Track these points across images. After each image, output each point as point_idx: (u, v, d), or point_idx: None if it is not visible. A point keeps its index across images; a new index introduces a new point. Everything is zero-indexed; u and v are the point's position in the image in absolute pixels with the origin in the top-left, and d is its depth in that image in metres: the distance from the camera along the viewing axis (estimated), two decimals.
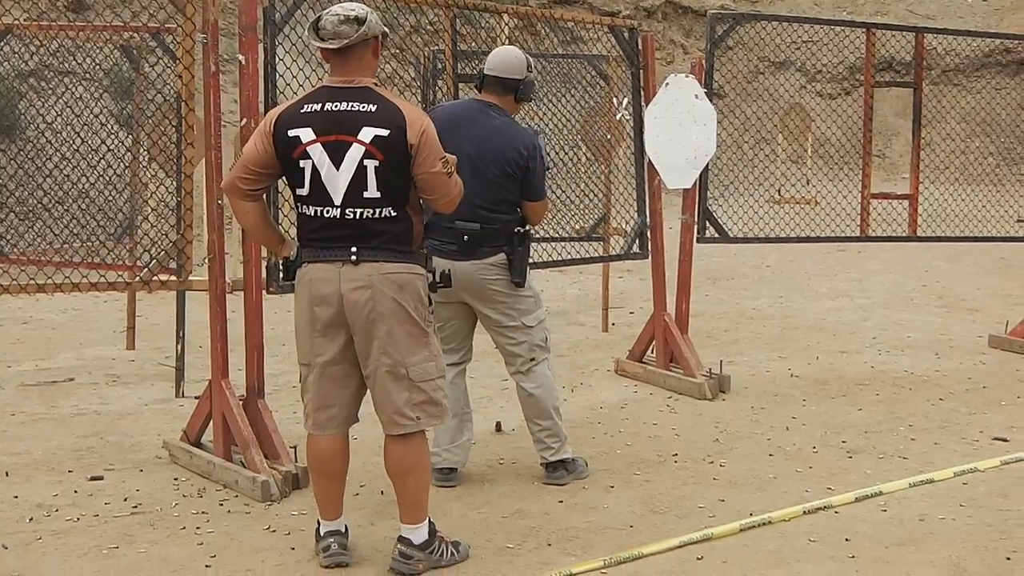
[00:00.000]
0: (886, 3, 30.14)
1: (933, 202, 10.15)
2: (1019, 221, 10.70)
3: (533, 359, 5.89)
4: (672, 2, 27.70)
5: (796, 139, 20.80)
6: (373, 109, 4.47)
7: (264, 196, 4.82)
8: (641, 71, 8.05)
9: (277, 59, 5.96)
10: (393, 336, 4.54)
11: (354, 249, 4.50)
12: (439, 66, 8.80)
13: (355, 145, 4.44)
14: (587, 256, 9.07)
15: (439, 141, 4.59)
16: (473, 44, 11.91)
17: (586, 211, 9.95)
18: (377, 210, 4.50)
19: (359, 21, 4.47)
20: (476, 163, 5.54)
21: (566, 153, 10.72)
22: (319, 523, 4.85)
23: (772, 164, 20.82)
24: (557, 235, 9.57)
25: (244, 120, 5.70)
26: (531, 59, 5.89)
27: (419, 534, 4.74)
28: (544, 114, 9.90)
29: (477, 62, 10.23)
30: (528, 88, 5.80)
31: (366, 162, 4.45)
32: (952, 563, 4.93)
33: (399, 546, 4.72)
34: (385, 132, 4.44)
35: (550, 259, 8.00)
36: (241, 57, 5.71)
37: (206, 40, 5.77)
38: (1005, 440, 6.83)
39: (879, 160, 24.70)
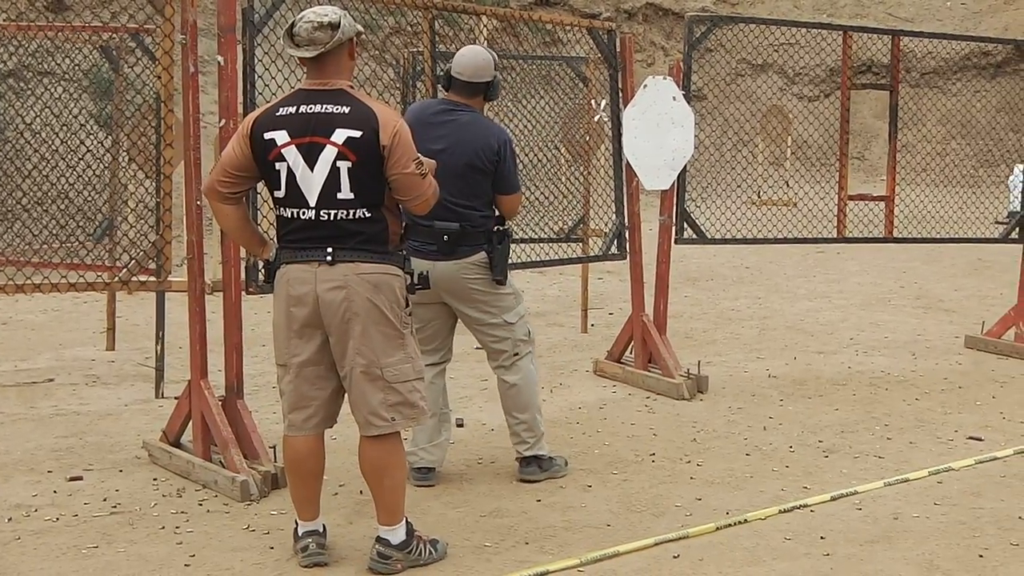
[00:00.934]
0: (865, 5, 30.25)
1: (911, 203, 10.21)
2: (996, 223, 10.76)
3: (516, 353, 5.92)
4: (652, 4, 27.76)
5: (776, 141, 20.92)
6: (346, 111, 4.50)
7: (244, 199, 4.84)
8: (619, 73, 8.08)
9: (256, 60, 5.97)
10: (368, 336, 4.56)
11: (330, 250, 4.53)
12: (418, 67, 8.81)
13: (328, 147, 4.48)
14: (566, 257, 9.10)
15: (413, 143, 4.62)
16: (454, 45, 11.94)
17: (565, 212, 9.99)
18: (351, 211, 4.53)
19: (333, 26, 4.51)
20: (449, 161, 5.53)
21: (546, 154, 10.74)
22: (297, 523, 4.86)
23: (752, 166, 20.93)
24: (536, 236, 9.61)
25: (223, 121, 5.71)
26: (495, 56, 5.90)
27: (397, 534, 4.76)
28: (524, 115, 9.93)
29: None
30: (495, 88, 5.83)
31: (339, 163, 4.48)
32: (925, 560, 4.98)
33: (377, 546, 4.74)
34: (358, 134, 4.47)
35: (529, 260, 8.00)
36: (220, 58, 5.72)
37: (185, 41, 5.79)
38: (979, 439, 6.89)
39: (859, 162, 24.81)
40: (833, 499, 5.73)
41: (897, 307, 11.63)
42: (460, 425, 6.89)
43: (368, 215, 4.56)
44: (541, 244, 9.25)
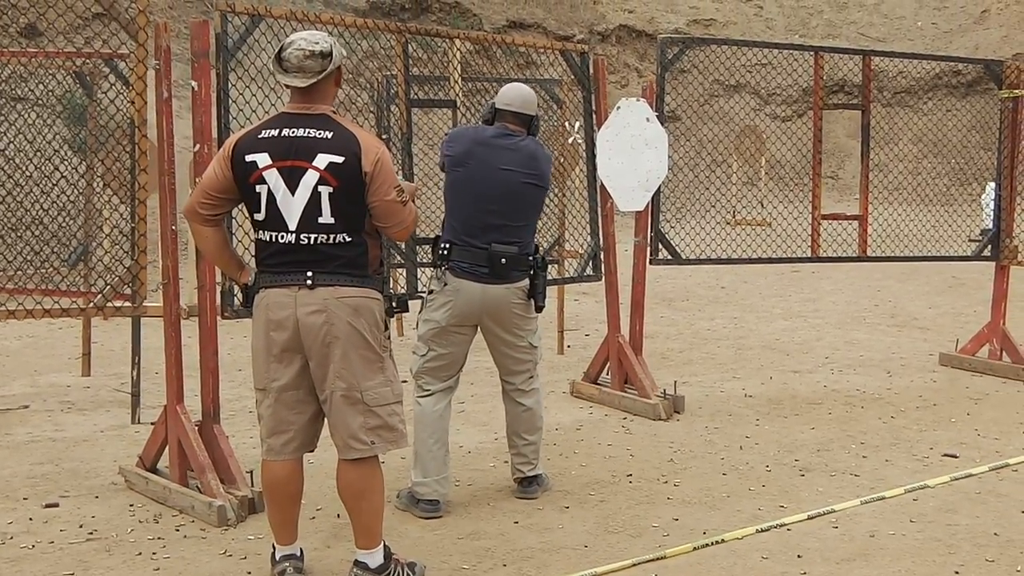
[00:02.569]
0: (837, 26, 30.44)
1: (885, 222, 10.27)
2: (970, 240, 10.83)
3: (532, 376, 6.07)
4: (626, 26, 27.88)
5: (750, 161, 21.01)
6: (329, 136, 4.50)
7: (224, 222, 4.85)
8: (593, 95, 8.12)
9: (230, 85, 5.98)
10: (348, 360, 4.55)
11: (310, 274, 4.52)
12: (392, 91, 8.84)
13: (310, 171, 4.46)
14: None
15: (404, 169, 4.65)
16: (427, 69, 11.99)
17: (540, 234, 10.00)
18: (331, 236, 4.51)
19: (324, 55, 4.51)
20: (518, 184, 5.71)
21: None
22: (274, 547, 4.85)
23: (726, 186, 21.01)
24: None
25: (197, 146, 5.72)
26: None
27: (374, 558, 4.75)
28: None
29: (432, 87, 10.33)
30: (537, 123, 5.95)
31: (320, 188, 4.47)
32: None
33: (355, 570, 4.74)
34: (340, 159, 4.47)
35: None
36: (194, 83, 5.73)
37: (158, 66, 5.79)
38: (955, 456, 6.93)
39: (833, 181, 24.95)
40: (810, 518, 5.74)
41: (872, 325, 11.69)
42: None
43: (348, 240, 4.55)
44: None
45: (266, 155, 4.49)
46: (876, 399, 8.40)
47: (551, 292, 10.45)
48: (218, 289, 5.91)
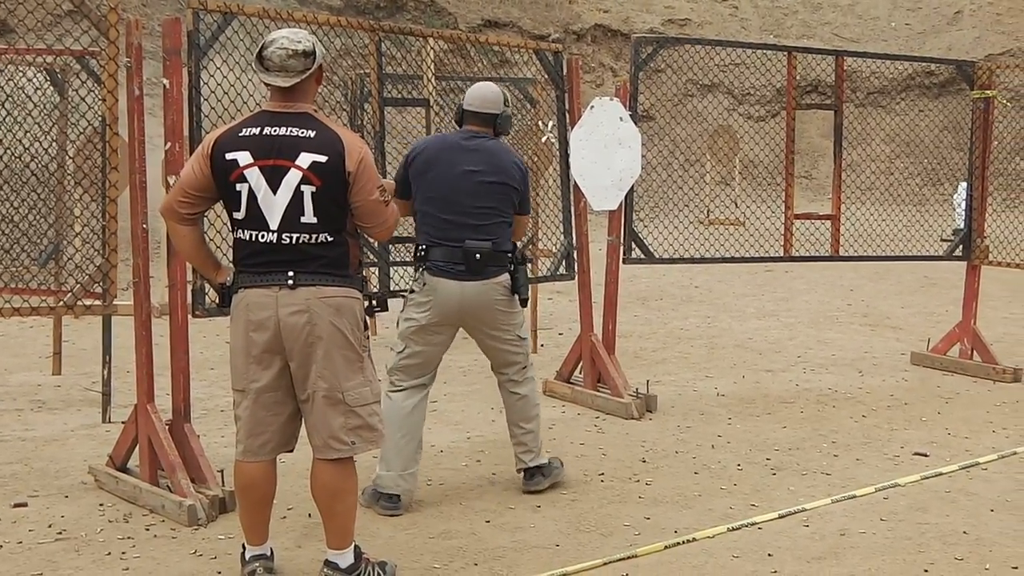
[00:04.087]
0: (812, 26, 30.53)
1: (858, 222, 10.31)
2: (942, 240, 10.87)
3: (525, 366, 6.19)
4: (601, 25, 27.89)
5: (724, 161, 21.06)
6: (312, 135, 4.47)
7: (202, 221, 4.82)
8: (566, 94, 8.12)
9: (202, 83, 5.96)
10: (330, 360, 4.53)
11: (291, 273, 4.49)
12: (366, 89, 8.83)
13: (292, 170, 4.44)
14: None
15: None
16: (401, 67, 11.96)
17: None
18: (313, 235, 4.49)
19: (307, 54, 4.48)
20: (484, 181, 5.82)
21: None
22: (244, 547, 4.84)
23: (700, 186, 21.05)
24: None
25: (169, 144, 5.70)
26: (507, 93, 6.17)
27: (345, 558, 4.73)
28: None
29: (405, 85, 10.32)
30: (505, 121, 6.04)
31: (303, 188, 4.44)
32: None
33: (325, 570, 4.72)
34: (323, 158, 4.44)
35: None
36: (165, 81, 5.70)
37: (130, 64, 5.76)
38: (925, 455, 6.96)
39: (806, 181, 25.03)
40: (781, 516, 5.76)
41: (844, 324, 11.73)
42: None
43: (330, 239, 4.53)
44: None
45: (247, 153, 4.46)
46: (848, 398, 8.43)
47: None
48: (189, 288, 5.88)
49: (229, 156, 4.48)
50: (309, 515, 5.50)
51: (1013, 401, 8.45)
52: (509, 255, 5.89)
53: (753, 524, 5.64)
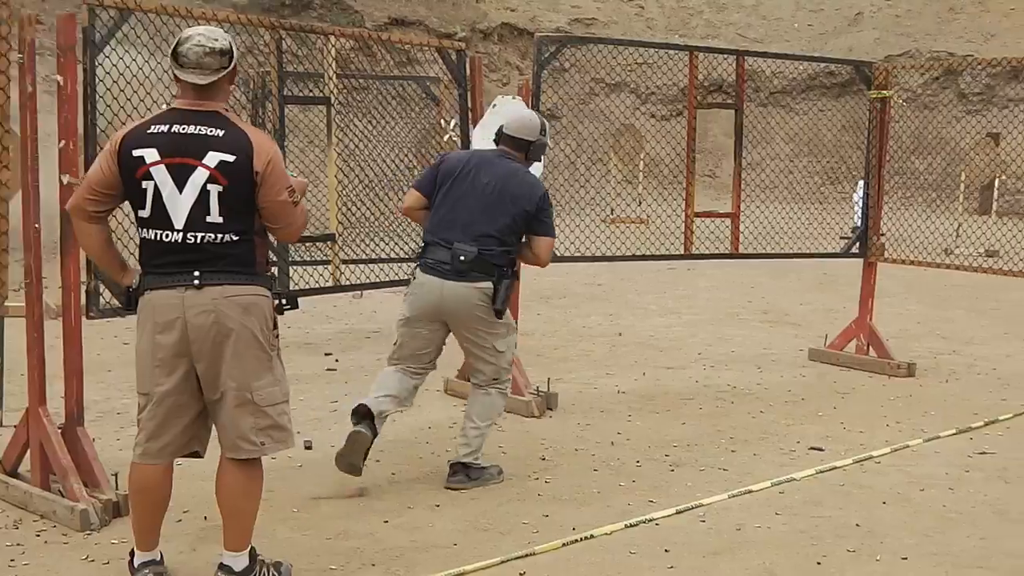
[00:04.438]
0: (717, 26, 30.88)
1: (759, 220, 10.43)
2: (842, 238, 11.03)
3: (496, 379, 6.36)
4: (508, 24, 27.98)
5: (628, 160, 21.20)
6: (221, 134, 4.41)
7: (107, 220, 4.71)
8: (469, 92, 8.12)
9: (97, 80, 5.87)
10: (239, 360, 4.49)
11: (196, 273, 4.42)
12: (268, 88, 8.76)
13: (199, 169, 4.38)
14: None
15: (283, 171, 4.55)
16: (304, 66, 11.89)
17: (419, 231, 9.98)
18: (219, 235, 4.43)
19: (223, 53, 4.44)
20: (493, 195, 6.12)
21: (401, 174, 10.74)
22: (134, 553, 4.76)
23: (605, 184, 21.16)
24: (393, 256, 9.61)
25: (63, 142, 5.61)
26: (545, 122, 6.51)
27: (240, 561, 4.69)
28: (379, 135, 9.94)
29: (307, 84, 10.26)
30: (538, 149, 6.40)
31: (209, 187, 4.38)
32: (765, 569, 5.08)
33: (219, 573, 4.67)
34: (231, 158, 4.39)
35: (380, 280, 7.98)
36: (59, 78, 5.61)
37: (22, 60, 5.66)
38: (821, 450, 7.07)
39: (710, 179, 25.29)
40: (678, 512, 5.82)
41: (745, 321, 11.87)
42: (308, 448, 6.85)
43: (236, 239, 4.47)
44: (395, 264, 9.26)
45: (154, 151, 4.39)
46: (746, 394, 8.54)
47: None
48: (83, 288, 5.80)
49: (136, 153, 4.41)
50: (205, 518, 5.45)
51: (907, 395, 8.61)
52: (498, 266, 6.09)
53: (651, 520, 5.69)
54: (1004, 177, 20.68)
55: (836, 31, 30.16)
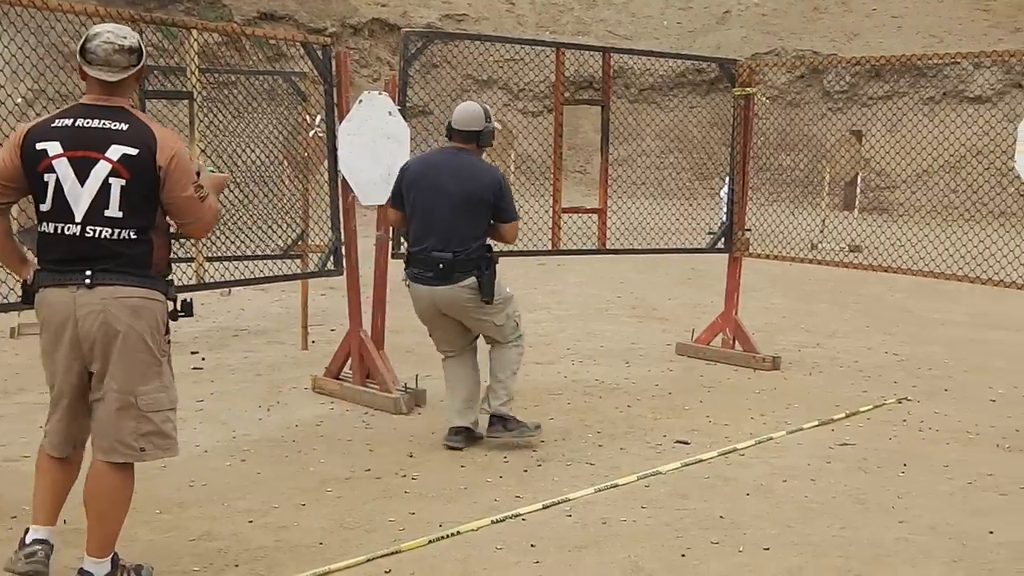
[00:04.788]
0: (587, 23, 31.07)
1: (628, 215, 10.51)
2: (709, 233, 11.16)
3: (508, 341, 7.06)
4: (379, 19, 27.86)
5: (499, 156, 21.21)
6: (124, 128, 4.41)
7: (9, 213, 4.68)
8: (335, 88, 8.06)
9: None
10: (124, 363, 4.44)
11: (88, 272, 4.38)
12: None
13: (102, 162, 4.36)
14: (283, 274, 8.98)
15: (191, 169, 4.54)
16: (173, 60, 11.72)
17: (289, 228, 9.89)
18: (117, 231, 4.40)
19: (131, 51, 4.46)
20: (455, 197, 6.67)
21: (269, 170, 10.62)
22: (27, 530, 4.65)
23: None
24: (256, 253, 9.49)
25: None
26: (487, 110, 6.96)
27: (103, 567, 4.59)
28: (246, 131, 9.81)
29: (174, 78, 10.09)
30: (487, 136, 6.87)
31: (111, 180, 4.37)
32: (631, 562, 5.12)
33: None
34: (134, 151, 4.38)
35: (244, 278, 7.88)
36: None
37: None
38: (686, 443, 7.15)
39: (581, 176, 25.45)
40: (545, 507, 5.84)
41: (613, 316, 11.96)
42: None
43: (134, 236, 4.44)
44: (263, 261, 9.17)
45: (57, 144, 4.38)
46: (614, 389, 8.60)
47: (297, 288, 10.40)
48: None
49: (39, 146, 4.39)
50: (65, 521, 5.31)
51: (771, 388, 8.75)
52: (477, 261, 6.69)
53: (517, 515, 5.70)
54: (866, 173, 21.15)
55: (705, 29, 30.56)
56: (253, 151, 9.80)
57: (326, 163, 9.39)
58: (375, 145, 7.82)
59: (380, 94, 7.88)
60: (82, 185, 4.37)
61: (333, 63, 8.06)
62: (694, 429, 7.49)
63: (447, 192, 6.68)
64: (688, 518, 5.73)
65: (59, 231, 4.41)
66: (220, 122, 10.02)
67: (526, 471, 6.50)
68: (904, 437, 7.44)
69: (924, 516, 5.87)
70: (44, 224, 4.46)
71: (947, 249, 9.20)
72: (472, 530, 5.48)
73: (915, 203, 21.14)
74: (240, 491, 6.02)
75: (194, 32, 7.91)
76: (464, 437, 6.90)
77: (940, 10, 29.33)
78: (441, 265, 6.66)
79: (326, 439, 7.06)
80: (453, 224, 6.67)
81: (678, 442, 7.18)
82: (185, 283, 7.95)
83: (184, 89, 8.16)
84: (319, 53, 8.03)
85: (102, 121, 4.41)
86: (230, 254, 8.28)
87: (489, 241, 6.88)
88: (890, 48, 27.14)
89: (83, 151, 4.37)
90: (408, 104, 8.24)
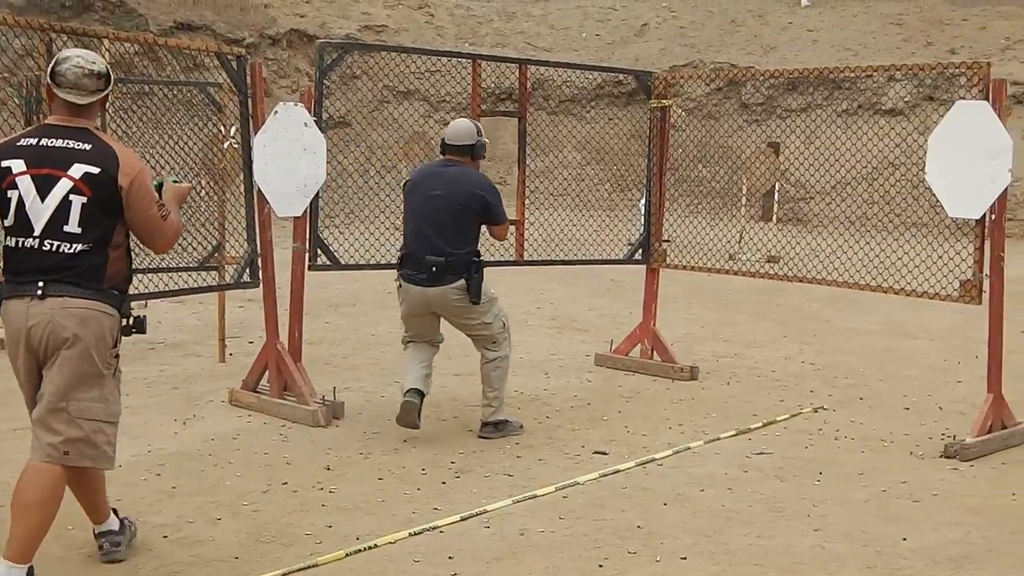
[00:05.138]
0: (506, 35, 31.12)
1: (548, 227, 10.52)
2: (629, 245, 11.20)
3: (495, 341, 7.56)
4: (297, 30, 27.70)
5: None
6: (87, 148, 4.67)
7: None
8: (249, 99, 7.99)
9: None
10: (63, 369, 4.63)
11: (41, 284, 4.60)
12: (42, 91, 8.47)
13: (64, 180, 4.61)
14: (200, 285, 8.89)
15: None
16: None
17: (205, 240, 9.79)
18: (73, 244, 4.63)
19: (99, 76, 4.74)
20: (444, 205, 7.22)
21: (186, 181, 10.50)
22: None
23: (396, 192, 21.10)
24: (172, 265, 9.39)
25: None
26: (479, 125, 7.55)
27: (18, 573, 4.59)
28: (162, 141, 9.71)
29: None
30: (480, 149, 7.44)
31: (72, 197, 4.61)
32: (548, 573, 5.14)
33: None
34: (96, 170, 4.63)
35: (159, 290, 7.79)
36: None
37: None
38: (605, 453, 7.17)
39: (501, 187, 25.37)
40: (463, 519, 5.83)
41: (533, 327, 11.97)
42: None
43: (88, 249, 4.66)
44: (178, 273, 9.07)
45: (21, 162, 4.63)
46: (533, 400, 8.61)
47: (215, 299, 10.30)
48: None
49: (4, 164, 4.66)
50: None
51: (690, 398, 8.80)
52: (466, 265, 7.21)
53: (435, 528, 5.69)
54: (784, 185, 21.37)
55: (623, 41, 30.71)
56: (168, 162, 9.70)
57: (242, 174, 9.32)
58: (291, 156, 7.78)
59: (296, 105, 7.83)
60: (43, 201, 4.61)
61: (248, 74, 8.00)
62: (612, 439, 7.51)
63: (439, 200, 7.23)
64: (606, 528, 5.75)
65: (19, 244, 4.65)
66: (135, 132, 9.91)
67: (444, 483, 6.49)
68: (820, 446, 7.52)
69: (839, 524, 5.93)
70: (8, 238, 4.70)
71: (862, 260, 9.29)
72: (389, 543, 5.47)
73: (832, 214, 21.36)
74: (155, 506, 5.96)
75: (106, 42, 7.83)
76: (420, 398, 7.32)
77: (854, 24, 29.73)
78: (434, 268, 7.19)
79: (243, 452, 7.00)
80: (444, 230, 7.21)
81: (596, 452, 7.20)
82: None
83: None
84: (233, 64, 7.96)
85: (66, 141, 4.67)
86: (146, 266, 8.18)
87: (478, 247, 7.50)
88: (806, 61, 27.48)
89: (46, 168, 4.63)
90: (326, 115, 8.19)
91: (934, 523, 6.00)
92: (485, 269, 7.34)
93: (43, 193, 4.61)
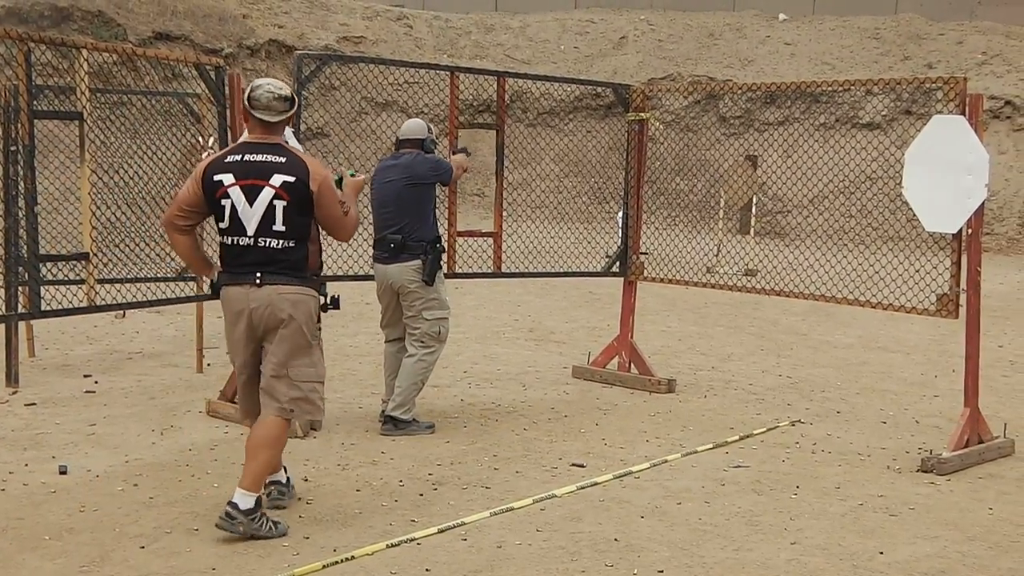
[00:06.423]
0: (485, 48, 31.13)
1: (526, 239, 10.53)
2: (607, 257, 11.23)
3: (422, 342, 7.90)
4: (276, 41, 27.64)
5: None
6: (283, 160, 5.64)
7: (196, 229, 5.92)
8: (227, 109, 7.99)
9: None
10: (284, 343, 5.69)
11: (259, 274, 5.63)
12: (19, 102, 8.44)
13: (267, 188, 5.58)
14: (178, 296, 8.89)
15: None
16: (66, 79, 11.54)
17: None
18: (281, 241, 5.64)
19: (286, 99, 5.71)
20: (393, 188, 7.75)
21: (165, 191, 10.49)
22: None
23: None
24: (150, 275, 9.39)
25: None
26: (429, 124, 8.07)
27: (248, 500, 5.59)
28: (140, 151, 9.70)
29: (67, 98, 9.94)
30: (429, 144, 7.90)
31: (275, 202, 5.60)
32: None
33: (226, 507, 5.62)
34: (292, 179, 5.61)
35: (136, 300, 7.77)
36: None
37: None
38: (582, 466, 7.18)
39: (479, 199, 25.46)
40: (440, 531, 5.83)
41: (511, 340, 11.97)
42: (63, 472, 6.63)
43: (293, 245, 5.67)
44: (156, 283, 9.05)
45: (231, 175, 5.61)
46: (510, 412, 8.61)
47: (192, 310, 10.28)
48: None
49: (216, 178, 5.63)
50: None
51: (667, 411, 8.81)
52: (424, 244, 7.75)
53: (412, 540, 5.69)
54: (761, 198, 21.43)
55: (602, 53, 30.74)
56: (147, 171, 9.69)
57: None
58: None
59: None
60: (251, 207, 5.60)
61: (226, 84, 8.00)
62: (589, 452, 7.52)
63: (392, 184, 7.76)
64: (583, 541, 5.76)
65: (235, 242, 5.65)
66: (113, 142, 9.91)
67: (421, 495, 6.48)
68: (797, 459, 7.54)
69: (815, 537, 5.95)
70: (224, 237, 5.69)
71: (839, 273, 9.33)
72: (367, 555, 5.46)
73: (809, 227, 21.45)
74: (132, 516, 5.94)
75: (84, 52, 7.82)
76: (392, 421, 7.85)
77: (832, 38, 29.83)
78: (392, 244, 7.73)
79: (220, 463, 6.99)
80: (401, 209, 7.74)
81: (573, 465, 7.21)
82: (76, 306, 7.86)
83: (74, 109, 8.07)
84: (212, 74, 7.97)
85: (265, 156, 5.64)
86: (124, 276, 8.18)
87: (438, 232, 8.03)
88: (784, 75, 27.58)
89: (251, 179, 5.60)
90: (304, 126, 8.20)
91: (910, 537, 6.02)
92: (462, 289, 7.58)
93: (251, 200, 5.57)
